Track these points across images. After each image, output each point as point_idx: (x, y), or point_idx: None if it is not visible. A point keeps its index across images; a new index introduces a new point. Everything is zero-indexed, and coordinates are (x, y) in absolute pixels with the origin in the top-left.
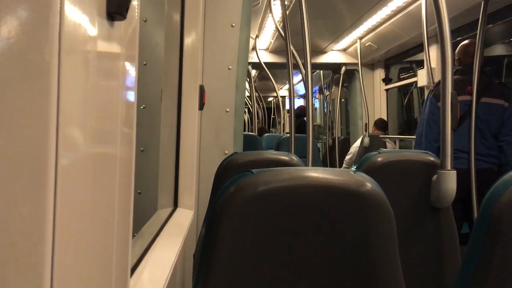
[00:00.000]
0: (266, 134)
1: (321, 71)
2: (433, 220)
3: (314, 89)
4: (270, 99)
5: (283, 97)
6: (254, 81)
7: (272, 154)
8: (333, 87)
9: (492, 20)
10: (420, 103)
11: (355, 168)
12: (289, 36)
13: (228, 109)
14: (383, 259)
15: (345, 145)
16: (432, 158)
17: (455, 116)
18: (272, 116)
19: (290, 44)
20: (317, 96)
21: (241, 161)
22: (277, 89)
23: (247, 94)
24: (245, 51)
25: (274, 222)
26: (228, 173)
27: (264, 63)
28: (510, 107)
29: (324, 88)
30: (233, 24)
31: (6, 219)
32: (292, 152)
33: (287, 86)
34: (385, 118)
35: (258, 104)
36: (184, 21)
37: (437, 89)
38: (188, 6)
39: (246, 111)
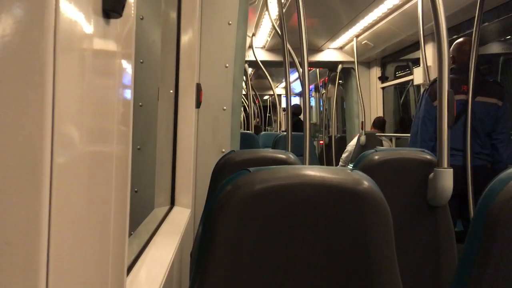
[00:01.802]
0: (263, 133)
1: (317, 69)
2: (430, 218)
3: (310, 87)
4: (266, 97)
5: (279, 95)
6: (251, 79)
7: (269, 152)
8: (330, 85)
9: (489, 18)
10: (416, 102)
11: (352, 166)
12: (286, 34)
13: (225, 107)
14: (380, 257)
15: (342, 143)
16: (428, 156)
17: (451, 114)
18: (268, 114)
19: (287, 42)
20: (313, 94)
21: (238, 159)
22: (273, 87)
23: (243, 92)
24: (242, 49)
25: (271, 220)
26: (225, 172)
27: (261, 61)
28: (504, 105)
29: (321, 86)
30: (230, 22)
31: (1, 218)
32: (289, 150)
33: (283, 84)
34: (382, 116)
35: (254, 102)
36: (180, 19)
37: (432, 88)
38: (184, 4)
39: (242, 109)
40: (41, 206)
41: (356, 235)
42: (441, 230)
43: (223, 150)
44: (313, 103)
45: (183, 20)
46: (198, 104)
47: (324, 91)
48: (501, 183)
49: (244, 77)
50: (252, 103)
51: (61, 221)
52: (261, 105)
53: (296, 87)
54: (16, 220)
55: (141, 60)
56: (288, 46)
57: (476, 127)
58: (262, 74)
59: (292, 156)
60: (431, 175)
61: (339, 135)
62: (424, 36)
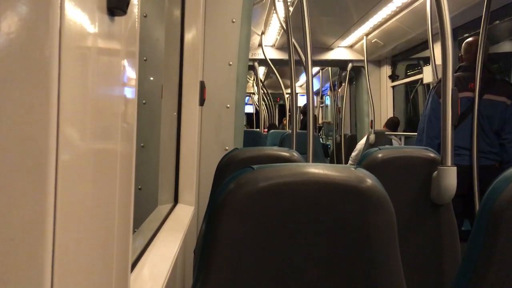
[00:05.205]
0: (272, 131)
1: (330, 68)
2: (434, 216)
3: (325, 86)
4: (287, 96)
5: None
6: (265, 79)
7: (273, 150)
8: (343, 84)
9: (501, 16)
10: (424, 100)
11: (356, 164)
12: (291, 32)
13: (228, 105)
14: (383, 255)
15: (352, 142)
16: (432, 154)
17: (455, 112)
18: (288, 113)
19: (293, 40)
20: (328, 93)
21: (242, 157)
22: (283, 86)
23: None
24: (245, 47)
25: (274, 218)
26: (228, 169)
27: (270, 59)
28: None
29: (335, 85)
30: (234, 20)
31: (6, 214)
32: (294, 148)
33: (298, 83)
34: (392, 115)
35: (268, 101)
36: (184, 17)
37: (439, 85)
38: (188, 1)
39: (257, 108)
40: (46, 203)
41: (360, 233)
42: (445, 228)
43: (227, 147)
44: (328, 102)
45: (186, 18)
46: (202, 102)
47: (337, 90)
48: (505, 181)
49: (255, 76)
50: (264, 102)
51: (66, 218)
52: (272, 103)
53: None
54: (21, 217)
55: (144, 58)
56: (296, 45)
57: (484, 125)
58: (280, 72)
59: (295, 154)
60: (435, 173)
61: (349, 134)
62: (433, 35)
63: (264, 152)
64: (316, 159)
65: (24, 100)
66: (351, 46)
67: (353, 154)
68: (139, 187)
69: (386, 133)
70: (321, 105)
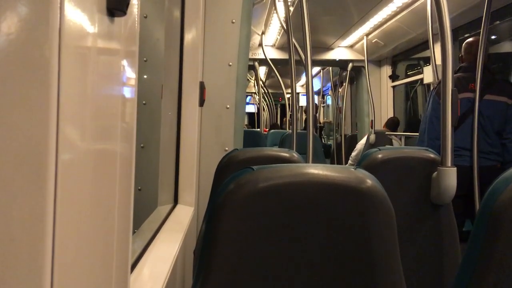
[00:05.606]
0: (272, 131)
1: (331, 68)
2: (433, 216)
3: (327, 85)
4: (288, 96)
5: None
6: (266, 78)
7: (273, 150)
8: (344, 84)
9: (501, 16)
10: (424, 100)
11: (356, 165)
12: (292, 32)
13: (228, 106)
14: (383, 256)
15: (353, 142)
16: (432, 155)
17: (455, 113)
18: (289, 113)
19: (293, 40)
20: (329, 93)
21: (242, 157)
22: (283, 86)
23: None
24: (245, 47)
25: (274, 218)
26: (228, 170)
27: (271, 59)
28: None
29: (336, 85)
30: (234, 21)
31: (6, 215)
32: (294, 148)
33: (299, 83)
34: (392, 115)
35: (269, 100)
36: (184, 18)
37: (440, 86)
38: (188, 2)
39: (258, 107)
40: (46, 204)
41: (359, 234)
42: (444, 229)
43: (227, 148)
44: (329, 101)
45: (186, 19)
46: (202, 102)
47: (338, 90)
48: (505, 182)
49: (255, 76)
50: (265, 102)
51: (66, 219)
52: (273, 103)
53: (314, 85)
54: (21, 218)
55: (144, 59)
56: (296, 45)
57: (485, 126)
58: (281, 72)
59: (295, 155)
60: (435, 174)
61: (350, 134)
62: (433, 35)
63: (264, 152)
64: (316, 160)
65: (24, 100)
66: (351, 46)
67: (353, 154)
68: (139, 187)
69: (386, 133)
70: (322, 105)
